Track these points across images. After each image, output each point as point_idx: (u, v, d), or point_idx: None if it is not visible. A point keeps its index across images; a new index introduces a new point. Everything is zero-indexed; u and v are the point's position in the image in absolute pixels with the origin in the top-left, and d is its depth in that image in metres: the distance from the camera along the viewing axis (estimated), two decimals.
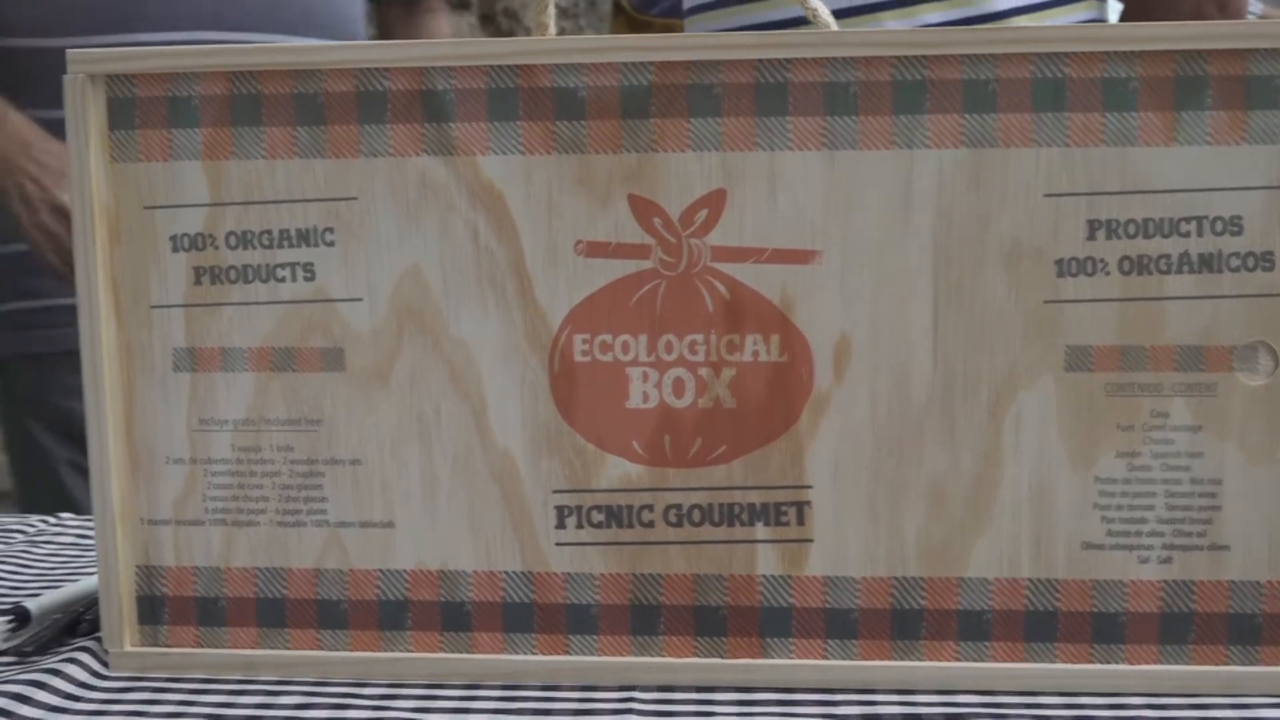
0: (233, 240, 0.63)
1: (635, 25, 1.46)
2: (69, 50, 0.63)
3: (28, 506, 1.45)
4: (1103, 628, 0.61)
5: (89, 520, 0.94)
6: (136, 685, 0.63)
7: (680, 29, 1.51)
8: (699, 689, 0.62)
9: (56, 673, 0.63)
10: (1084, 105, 0.59)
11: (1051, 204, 0.60)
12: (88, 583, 0.75)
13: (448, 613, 0.64)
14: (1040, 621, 0.61)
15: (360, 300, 0.63)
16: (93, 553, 0.87)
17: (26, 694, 0.61)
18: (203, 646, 0.65)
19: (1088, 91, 0.59)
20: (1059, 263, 0.60)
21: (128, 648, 0.65)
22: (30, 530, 0.92)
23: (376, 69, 0.61)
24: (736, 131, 0.60)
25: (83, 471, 1.43)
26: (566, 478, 0.62)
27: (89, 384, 0.64)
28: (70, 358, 1.33)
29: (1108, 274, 0.60)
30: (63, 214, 1.28)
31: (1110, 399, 0.60)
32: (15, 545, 0.88)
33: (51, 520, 0.94)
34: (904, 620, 0.62)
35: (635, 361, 0.62)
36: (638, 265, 0.61)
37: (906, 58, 0.59)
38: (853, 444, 0.61)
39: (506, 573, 0.63)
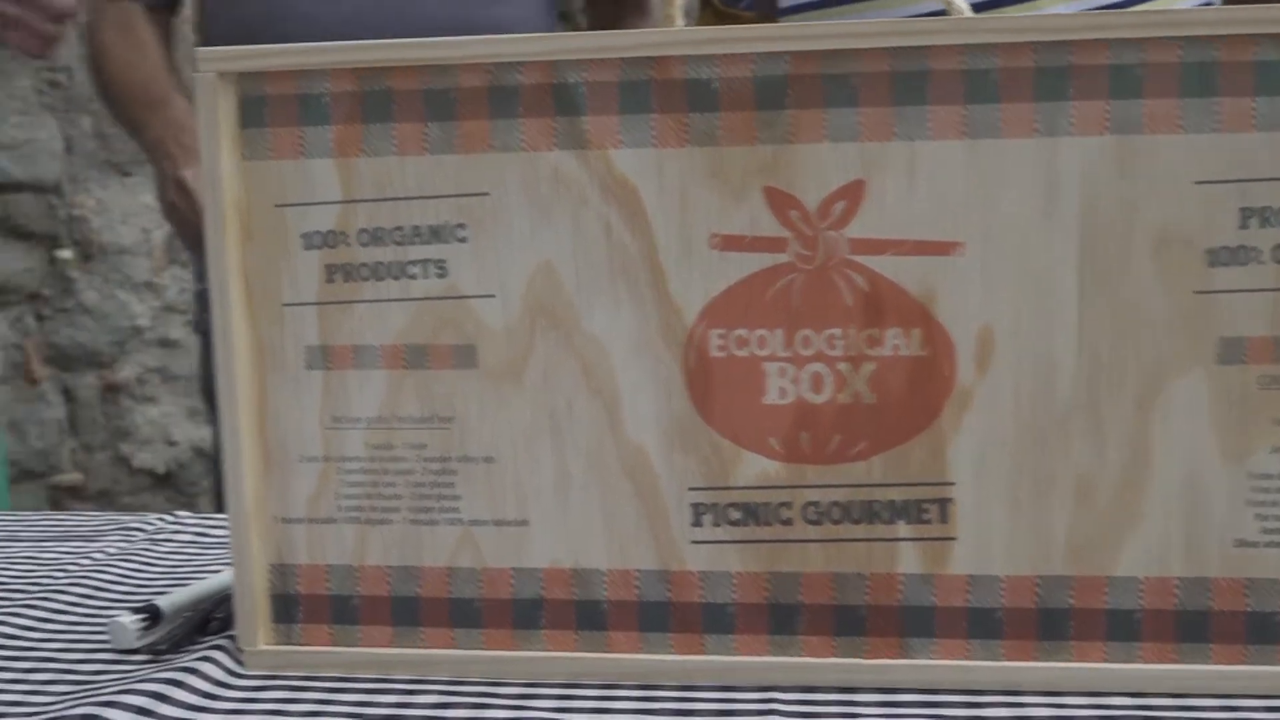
0: (364, 237, 0.63)
1: (723, 18, 1.44)
2: (199, 50, 0.63)
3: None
4: (1258, 628, 0.59)
5: (206, 518, 0.95)
6: (273, 684, 0.63)
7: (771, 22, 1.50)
8: (840, 689, 0.61)
9: (193, 671, 0.63)
10: (1235, 90, 0.57)
11: (1202, 191, 0.58)
12: (214, 581, 0.75)
13: (582, 611, 0.63)
14: (1192, 621, 0.60)
15: (492, 296, 0.62)
16: (213, 550, 0.87)
17: (165, 693, 0.61)
18: (336, 645, 0.65)
19: (1239, 76, 0.57)
20: (1210, 252, 0.58)
21: (262, 646, 0.65)
22: (149, 528, 0.93)
23: (508, 63, 0.61)
24: (874, 121, 0.59)
25: None
26: (702, 475, 0.62)
27: (222, 382, 0.64)
28: None
29: (1261, 263, 0.58)
30: (184, 189, 1.33)
31: (1264, 392, 0.58)
32: (136, 542, 0.89)
33: (169, 518, 0.95)
34: (1050, 620, 0.60)
35: (772, 357, 0.61)
36: (773, 259, 0.60)
37: (1049, 43, 0.58)
38: (996, 439, 0.60)
39: (641, 571, 0.62)
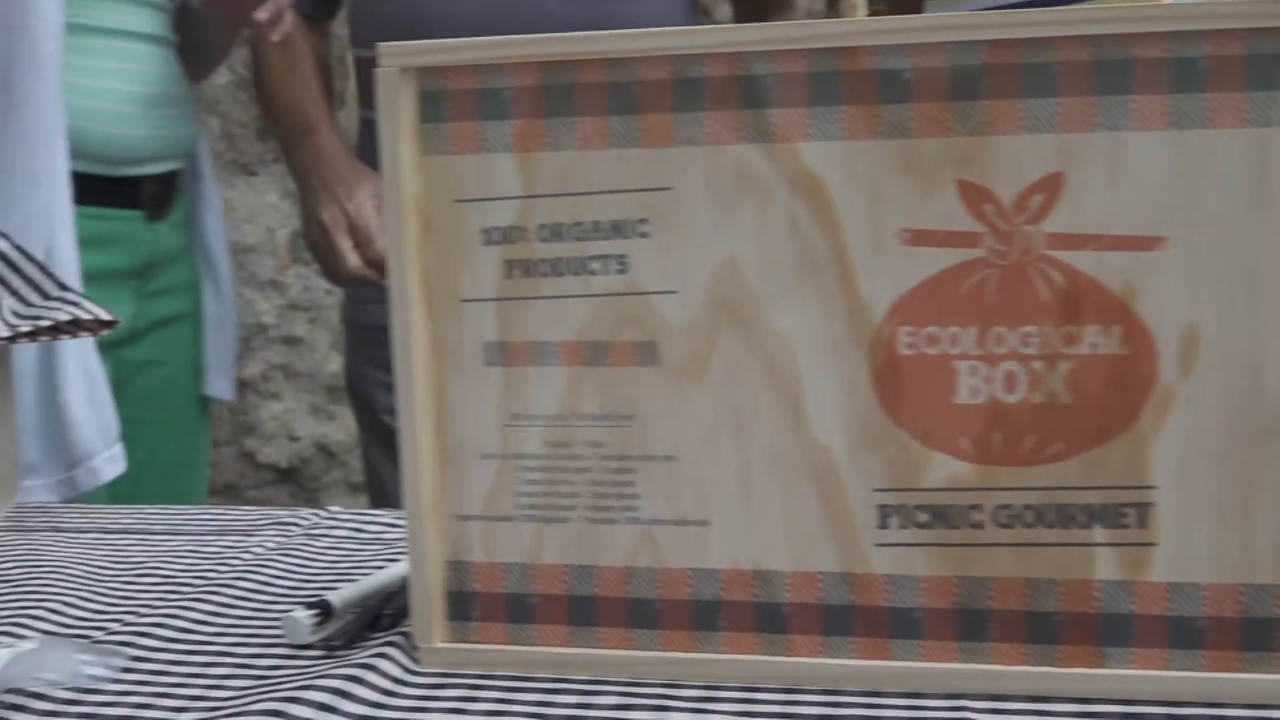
0: (544, 233, 0.62)
1: (903, 6, 1.41)
2: (381, 44, 0.62)
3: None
4: None
5: (359, 513, 0.95)
6: (450, 681, 0.63)
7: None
8: (1032, 699, 0.59)
9: (371, 668, 0.63)
10: None
11: None
12: (382, 576, 0.75)
13: (763, 614, 0.62)
14: None
15: (675, 293, 0.61)
16: (370, 546, 0.87)
17: (347, 689, 0.61)
18: (512, 644, 0.65)
19: None
20: None
21: (437, 644, 0.65)
22: (304, 524, 0.93)
23: (693, 55, 0.60)
24: (1074, 111, 0.57)
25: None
26: (889, 476, 0.60)
27: (401, 378, 0.63)
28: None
29: None
30: (321, 227, 1.35)
31: None
32: (294, 537, 0.90)
33: (323, 513, 0.95)
34: (1255, 630, 0.58)
35: (964, 355, 0.59)
36: (967, 254, 0.59)
37: (1263, 29, 0.55)
38: (1200, 441, 0.57)
39: (824, 573, 0.61)
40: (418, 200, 0.63)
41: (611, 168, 0.61)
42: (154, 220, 1.35)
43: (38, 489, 1.17)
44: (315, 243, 1.43)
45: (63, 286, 1.04)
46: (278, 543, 0.88)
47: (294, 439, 2.65)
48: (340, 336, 2.67)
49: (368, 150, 1.46)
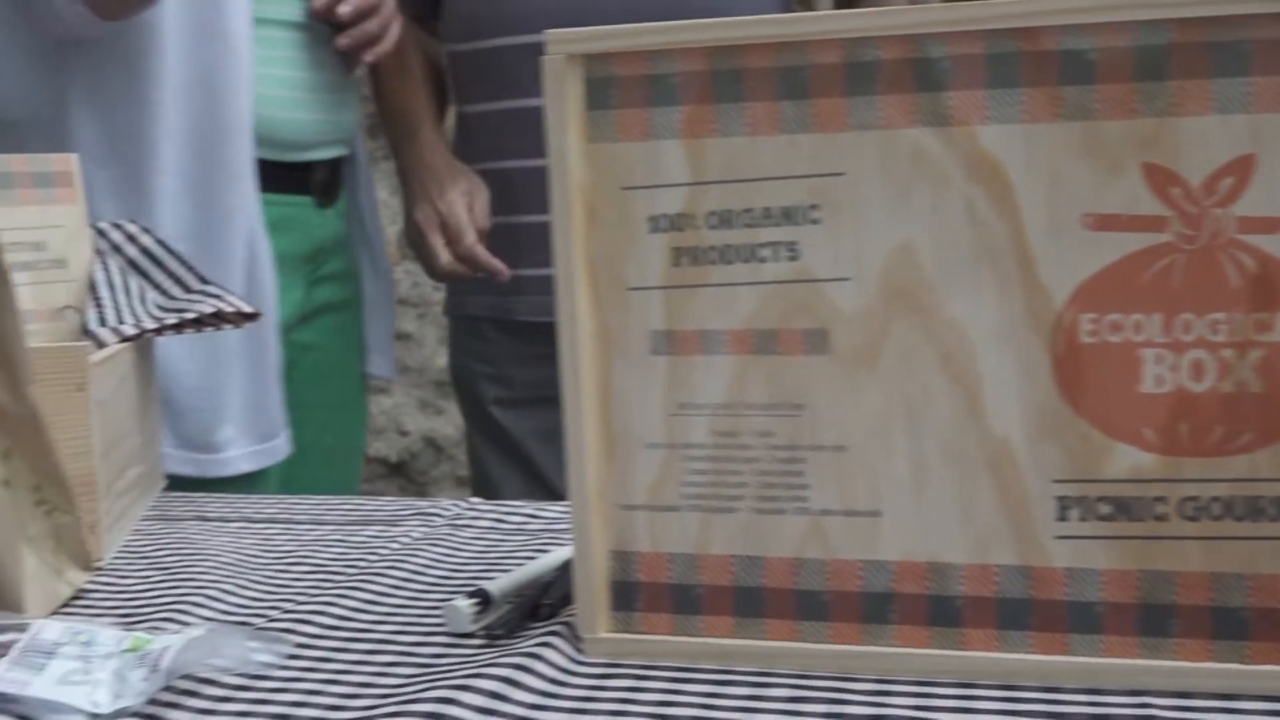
0: (713, 220, 0.61)
1: None
2: (548, 31, 0.62)
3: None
4: None
5: (499, 505, 0.95)
6: (616, 671, 0.63)
7: None
8: (1219, 696, 0.57)
9: (537, 657, 0.63)
10: None
11: None
12: (536, 566, 0.75)
13: (936, 607, 0.61)
14: None
15: (847, 279, 0.60)
16: (515, 537, 0.87)
17: (516, 678, 0.61)
18: (677, 634, 0.64)
19: None
20: None
21: (601, 634, 0.65)
22: (447, 514, 0.93)
23: (865, 39, 0.59)
24: (1267, 91, 0.55)
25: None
26: (1069, 467, 0.59)
27: (567, 367, 0.63)
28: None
29: None
30: (416, 227, 1.42)
31: None
32: (437, 528, 0.90)
33: (463, 504, 0.95)
34: None
35: (1149, 343, 0.57)
36: (1152, 239, 0.57)
37: None
38: None
39: (1000, 566, 0.60)
40: (583, 188, 0.63)
41: (782, 153, 0.60)
42: (323, 207, 1.37)
43: (184, 461, 1.21)
44: (413, 241, 1.46)
45: (203, 280, 1.05)
46: (423, 533, 0.89)
47: (403, 433, 2.68)
48: (447, 331, 2.69)
49: (464, 146, 1.48)
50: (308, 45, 1.31)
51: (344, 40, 1.29)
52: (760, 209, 0.61)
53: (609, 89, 0.62)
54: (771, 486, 0.62)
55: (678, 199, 0.62)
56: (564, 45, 0.62)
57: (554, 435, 1.49)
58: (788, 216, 0.61)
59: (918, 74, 0.58)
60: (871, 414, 0.61)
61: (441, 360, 2.66)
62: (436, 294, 2.63)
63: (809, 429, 0.61)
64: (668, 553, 0.64)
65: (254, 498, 1.03)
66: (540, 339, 1.45)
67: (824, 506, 0.62)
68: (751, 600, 0.63)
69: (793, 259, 0.61)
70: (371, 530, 0.90)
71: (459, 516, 0.93)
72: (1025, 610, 0.60)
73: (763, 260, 0.61)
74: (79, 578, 0.78)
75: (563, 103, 0.62)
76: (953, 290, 0.59)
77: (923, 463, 0.60)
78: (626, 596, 0.65)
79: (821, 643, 0.62)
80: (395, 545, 0.86)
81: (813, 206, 0.60)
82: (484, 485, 1.53)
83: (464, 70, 1.47)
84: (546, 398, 1.48)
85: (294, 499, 1.01)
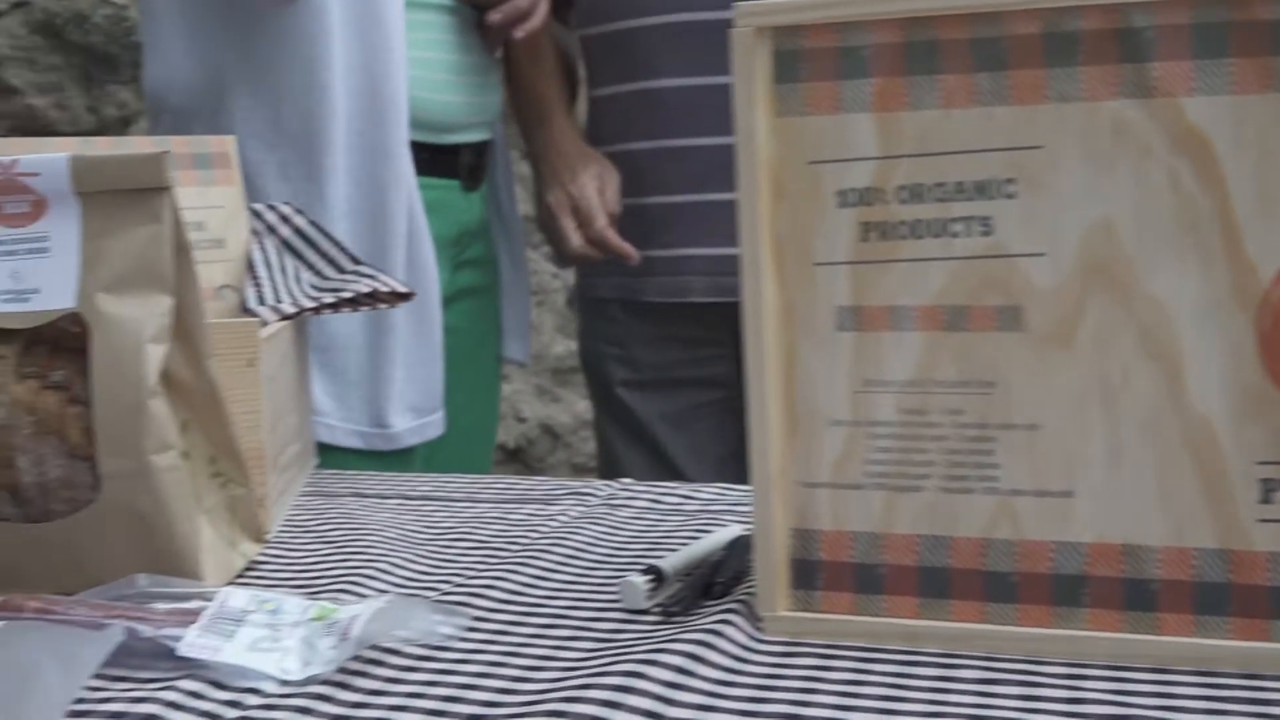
0: (904, 194, 0.61)
1: None
2: (737, 4, 0.62)
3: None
4: None
5: (654, 486, 0.95)
6: (798, 650, 0.62)
7: None
8: None
9: (717, 634, 0.63)
10: None
11: None
12: (704, 544, 0.74)
13: (1131, 590, 0.59)
14: None
15: (1042, 255, 0.59)
16: (672, 517, 0.87)
17: (699, 654, 0.60)
18: (859, 614, 0.63)
19: None
20: None
21: (781, 612, 0.64)
22: (601, 494, 0.93)
23: (1066, 9, 0.58)
24: None
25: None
26: (1274, 448, 0.57)
27: (751, 344, 0.63)
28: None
29: None
30: (548, 210, 1.44)
31: None
32: (594, 507, 0.90)
33: (616, 484, 0.95)
34: None
35: None
36: None
37: None
38: None
39: (1199, 549, 0.58)
40: (770, 163, 0.62)
41: (977, 126, 0.59)
42: (469, 190, 1.39)
43: (352, 435, 1.23)
44: (544, 225, 1.47)
45: (356, 260, 1.06)
46: (580, 512, 0.89)
47: (520, 420, 2.69)
48: (564, 319, 2.70)
49: (593, 130, 1.48)
50: (457, 28, 1.33)
51: (495, 16, 1.30)
52: (953, 183, 0.60)
53: (798, 62, 0.61)
54: (960, 465, 0.61)
55: (867, 173, 0.61)
56: (753, 18, 0.61)
57: (680, 419, 1.49)
58: (981, 191, 0.60)
59: (1121, 44, 0.57)
60: (1066, 392, 0.59)
61: (558, 348, 2.67)
62: (554, 281, 2.65)
63: (1000, 407, 0.60)
64: (850, 531, 0.63)
65: (407, 476, 1.04)
66: (668, 321, 1.45)
67: (1014, 486, 0.60)
68: (937, 581, 0.62)
69: (986, 234, 0.60)
70: (529, 509, 0.90)
71: (613, 496, 0.93)
72: (1224, 595, 0.58)
73: (955, 235, 0.60)
74: (252, 549, 0.79)
75: (751, 77, 0.62)
76: (1153, 266, 0.58)
77: (1119, 443, 0.59)
78: (807, 575, 0.64)
79: (1010, 625, 0.61)
80: (554, 523, 0.86)
81: (1008, 180, 0.59)
82: (610, 467, 1.53)
83: (596, 53, 1.47)
84: (673, 380, 1.48)
85: (447, 477, 1.02)
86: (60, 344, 0.72)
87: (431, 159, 1.32)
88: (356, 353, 1.26)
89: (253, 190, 1.16)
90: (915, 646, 0.62)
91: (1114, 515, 0.59)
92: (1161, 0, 0.56)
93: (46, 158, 0.72)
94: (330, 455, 1.19)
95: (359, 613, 0.62)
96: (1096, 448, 0.59)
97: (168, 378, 0.72)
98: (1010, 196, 0.59)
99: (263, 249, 1.03)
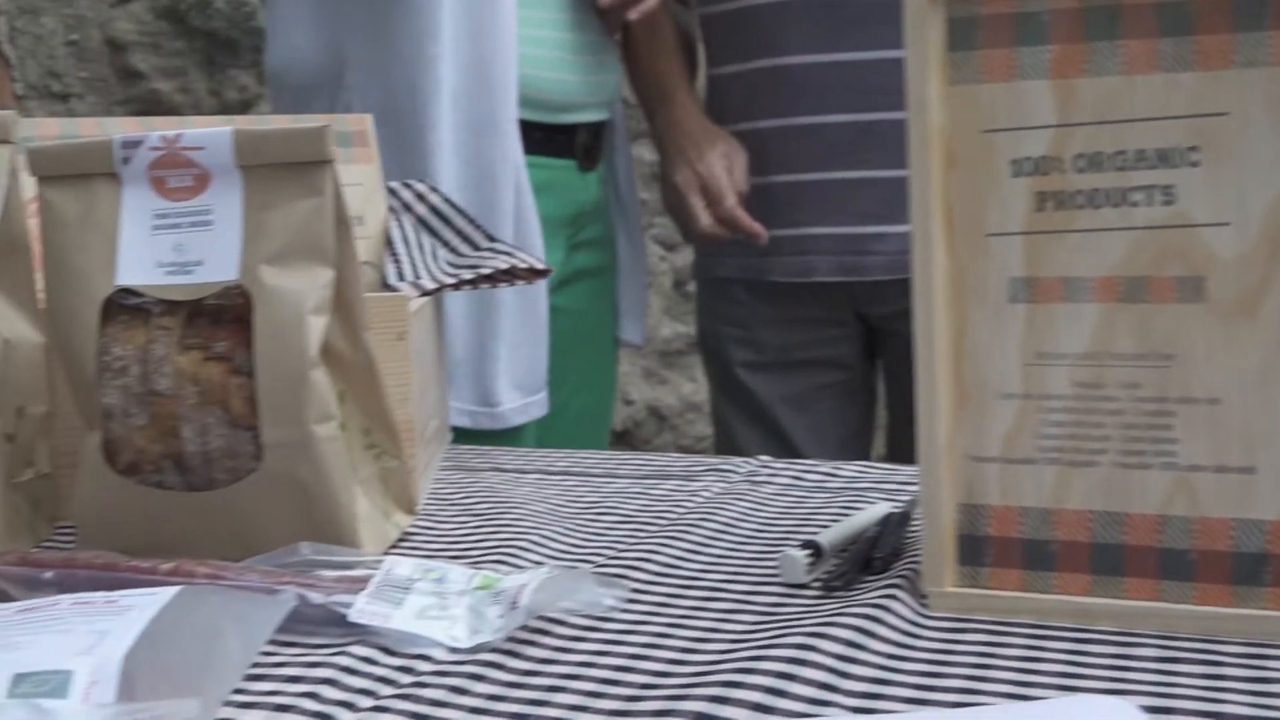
0: (1081, 163, 0.59)
1: None
2: None
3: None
4: None
5: (794, 463, 0.95)
6: (968, 626, 0.61)
7: None
8: None
9: (883, 608, 0.62)
10: None
11: None
12: (861, 519, 0.74)
13: None
14: None
15: (1226, 225, 0.58)
16: (817, 495, 0.86)
17: (868, 628, 0.60)
18: (1028, 591, 0.62)
19: None
20: None
21: (948, 588, 0.63)
22: (742, 470, 0.93)
23: None
24: None
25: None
26: None
27: (920, 316, 0.62)
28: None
29: None
30: (675, 189, 1.42)
31: None
32: (735, 483, 0.90)
33: (755, 462, 0.95)
34: None
35: None
36: None
37: None
38: None
39: None
40: (942, 132, 0.61)
41: (1159, 93, 0.58)
42: (585, 171, 1.39)
43: (460, 414, 1.24)
44: (671, 204, 1.46)
45: (491, 238, 1.07)
46: (722, 488, 0.88)
47: (628, 402, 2.70)
48: (671, 302, 2.70)
49: (715, 108, 1.47)
50: (571, 6, 1.32)
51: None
52: (1133, 151, 0.59)
53: (973, 29, 0.60)
54: (1136, 440, 0.60)
55: (1043, 141, 0.60)
56: None
57: (802, 401, 1.48)
58: (1164, 159, 0.58)
59: None
60: (1249, 366, 0.58)
61: (665, 331, 2.67)
62: (661, 264, 2.64)
63: (1179, 381, 0.59)
64: (1020, 506, 0.62)
65: (543, 451, 1.04)
66: (791, 302, 1.44)
67: (1193, 462, 0.59)
68: (1110, 557, 0.61)
69: (1168, 203, 0.58)
70: (670, 484, 0.90)
71: (754, 473, 0.92)
72: None
73: (1134, 204, 0.59)
74: (404, 520, 0.80)
75: (923, 45, 0.61)
76: None
77: None
78: (975, 551, 0.63)
79: (1186, 604, 0.60)
80: (697, 499, 0.86)
81: (1191, 149, 0.58)
82: (728, 450, 1.52)
83: (718, 32, 1.47)
84: (796, 361, 1.47)
85: (584, 453, 1.02)
86: (222, 316, 0.73)
87: (546, 138, 1.32)
88: (464, 331, 1.26)
89: None
90: (1086, 624, 0.61)
91: None
92: None
93: (211, 131, 0.73)
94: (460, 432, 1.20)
95: (526, 582, 0.62)
96: (1279, 424, 0.58)
97: (326, 349, 0.72)
98: (1194, 165, 0.58)
99: (400, 226, 1.04)
